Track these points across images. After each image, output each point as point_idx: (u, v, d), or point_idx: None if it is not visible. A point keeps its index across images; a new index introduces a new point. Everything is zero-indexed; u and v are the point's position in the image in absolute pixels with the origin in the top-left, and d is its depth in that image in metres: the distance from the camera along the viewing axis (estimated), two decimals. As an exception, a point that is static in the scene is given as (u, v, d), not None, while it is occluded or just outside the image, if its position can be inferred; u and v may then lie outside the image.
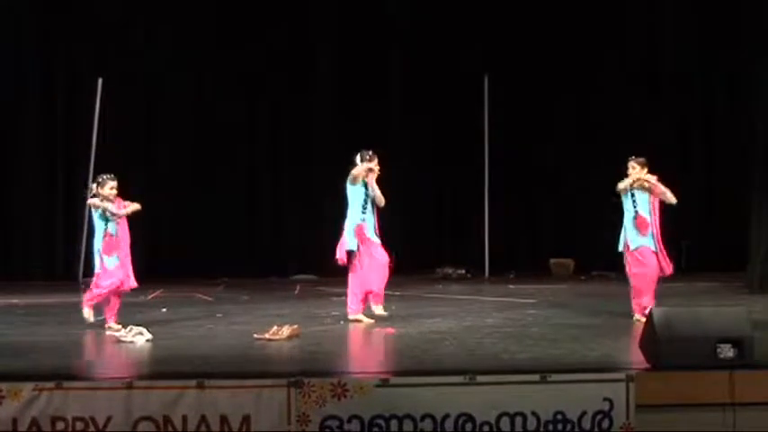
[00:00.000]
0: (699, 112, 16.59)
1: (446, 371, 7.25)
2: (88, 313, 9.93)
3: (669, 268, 10.12)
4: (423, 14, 16.41)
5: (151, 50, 16.20)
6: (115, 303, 9.91)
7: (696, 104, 16.57)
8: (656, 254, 10.08)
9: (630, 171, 10.13)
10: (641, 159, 10.18)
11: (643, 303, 10.00)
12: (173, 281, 14.16)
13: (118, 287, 9.87)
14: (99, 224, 9.89)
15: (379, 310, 10.21)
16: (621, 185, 10.10)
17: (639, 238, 10.08)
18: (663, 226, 10.22)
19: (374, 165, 10.21)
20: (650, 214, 10.08)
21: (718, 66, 16.24)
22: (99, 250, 9.89)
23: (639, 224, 10.03)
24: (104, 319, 9.94)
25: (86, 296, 10.01)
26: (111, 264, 9.85)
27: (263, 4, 16.28)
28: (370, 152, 10.26)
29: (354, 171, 10.13)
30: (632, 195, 10.10)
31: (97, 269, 9.95)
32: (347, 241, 10.18)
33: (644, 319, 9.19)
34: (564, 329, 9.49)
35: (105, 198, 9.85)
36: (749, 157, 13.99)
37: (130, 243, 10.02)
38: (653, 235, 10.06)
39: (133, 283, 9.96)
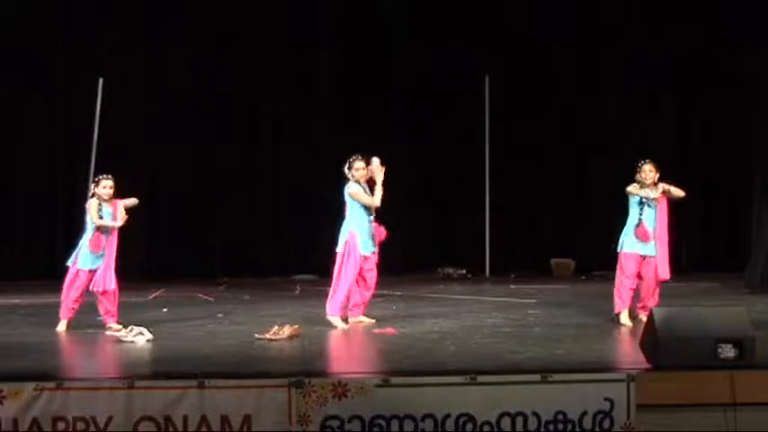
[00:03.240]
0: (699, 111, 16.59)
1: (447, 371, 7.26)
2: (63, 326, 9.85)
3: (666, 274, 10.09)
4: (422, 14, 16.41)
5: (152, 50, 16.20)
6: (109, 304, 9.88)
7: (696, 104, 16.56)
8: (653, 258, 10.04)
9: (647, 174, 10.04)
10: (656, 163, 10.14)
11: (616, 307, 10.07)
12: (173, 281, 14.16)
13: (91, 288, 9.83)
14: (90, 222, 9.93)
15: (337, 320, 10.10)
16: (653, 194, 10.04)
17: (637, 244, 10.07)
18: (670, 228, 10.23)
19: (358, 165, 10.16)
20: (655, 222, 10.04)
21: (719, 65, 16.23)
22: (82, 245, 9.90)
23: (640, 234, 10.01)
24: (103, 319, 9.95)
25: (62, 307, 9.94)
26: (85, 263, 9.84)
27: (264, 4, 16.29)
28: (353, 158, 10.19)
29: (355, 194, 10.07)
30: (640, 202, 10.06)
31: (70, 263, 9.94)
32: (339, 243, 10.16)
33: (645, 319, 9.25)
34: (565, 329, 9.50)
35: (100, 197, 9.89)
36: (749, 157, 13.99)
37: (118, 246, 10.02)
38: (655, 243, 10.04)
39: (108, 285, 9.80)
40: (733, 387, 6.88)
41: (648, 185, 10.05)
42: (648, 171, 10.07)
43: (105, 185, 9.94)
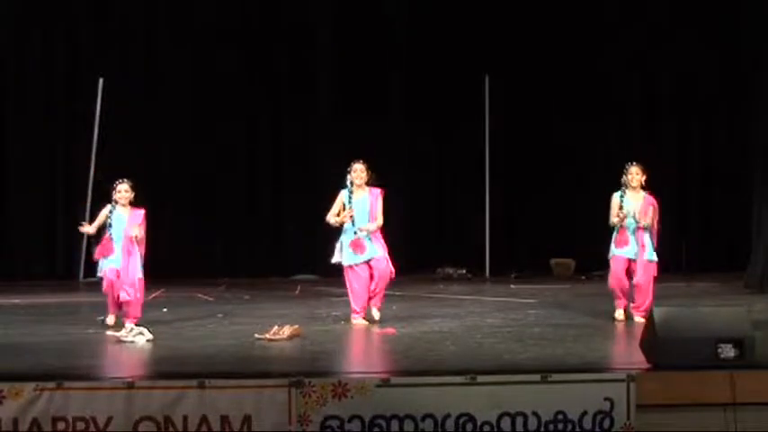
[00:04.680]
0: (699, 111, 16.58)
1: (447, 371, 7.25)
2: (110, 320, 9.94)
3: (646, 276, 10.06)
4: (422, 15, 16.41)
5: (152, 50, 16.21)
6: (131, 310, 9.91)
7: (696, 104, 16.56)
8: (634, 261, 10.09)
9: (633, 176, 10.10)
10: (642, 165, 10.18)
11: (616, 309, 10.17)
12: (173, 281, 14.15)
13: (112, 292, 9.86)
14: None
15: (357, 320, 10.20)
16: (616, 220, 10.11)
17: (615, 248, 10.14)
18: (660, 228, 10.25)
19: (355, 167, 10.17)
20: (635, 222, 10.08)
21: (719, 65, 16.24)
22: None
23: (619, 240, 10.09)
24: (104, 319, 9.98)
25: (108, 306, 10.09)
26: (105, 266, 9.88)
27: (263, 4, 16.28)
28: (351, 163, 10.24)
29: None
30: (621, 207, 10.11)
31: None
32: (336, 254, 10.21)
33: (640, 319, 9.28)
34: (565, 329, 9.50)
35: (116, 202, 9.92)
36: (749, 157, 13.99)
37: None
38: (636, 242, 10.06)
39: (124, 295, 9.79)
40: (733, 387, 6.88)
41: (634, 188, 10.09)
42: (635, 174, 10.12)
43: (120, 190, 9.95)
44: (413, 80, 16.41)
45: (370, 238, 10.15)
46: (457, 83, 16.24)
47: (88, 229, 10.10)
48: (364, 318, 10.16)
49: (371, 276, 10.15)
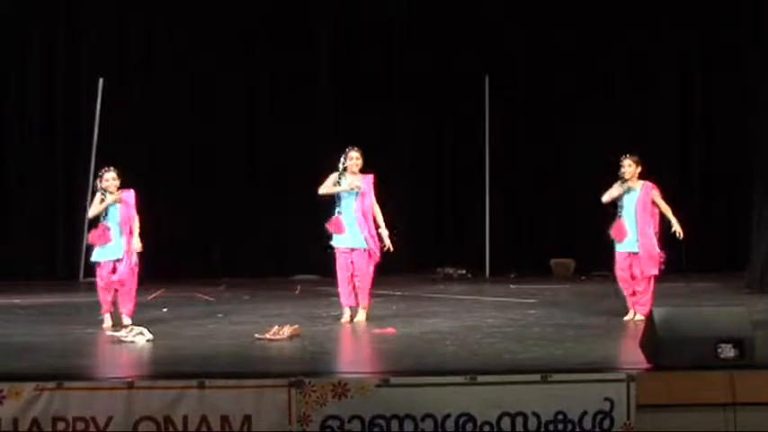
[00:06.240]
0: (699, 111, 16.58)
1: (447, 371, 7.26)
2: (106, 320, 9.93)
3: (650, 269, 10.07)
4: (422, 14, 16.41)
5: (152, 50, 16.21)
6: (124, 299, 9.91)
7: (696, 104, 16.56)
8: (635, 255, 10.08)
9: (626, 168, 10.15)
10: (635, 157, 10.21)
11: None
12: (173, 281, 14.16)
13: (109, 282, 9.87)
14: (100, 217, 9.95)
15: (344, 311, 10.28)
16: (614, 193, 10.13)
17: (617, 243, 10.15)
18: (661, 224, 10.26)
19: (351, 155, 10.30)
20: (635, 217, 10.07)
21: (719, 65, 16.24)
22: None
23: (615, 231, 10.09)
24: (103, 317, 9.99)
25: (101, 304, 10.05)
26: (98, 255, 9.91)
27: (263, 4, 16.28)
28: (348, 148, 10.38)
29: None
30: (621, 198, 10.15)
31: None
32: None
33: (642, 317, 9.27)
34: (565, 329, 9.50)
35: (105, 190, 9.90)
36: (749, 156, 13.99)
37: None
38: (637, 238, 10.06)
39: (121, 273, 9.83)
40: (733, 387, 6.88)
41: (629, 179, 10.12)
42: (627, 166, 10.17)
43: (108, 178, 9.95)
44: (413, 80, 16.41)
45: (358, 226, 10.17)
46: (457, 83, 16.24)
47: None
48: (351, 310, 10.20)
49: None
